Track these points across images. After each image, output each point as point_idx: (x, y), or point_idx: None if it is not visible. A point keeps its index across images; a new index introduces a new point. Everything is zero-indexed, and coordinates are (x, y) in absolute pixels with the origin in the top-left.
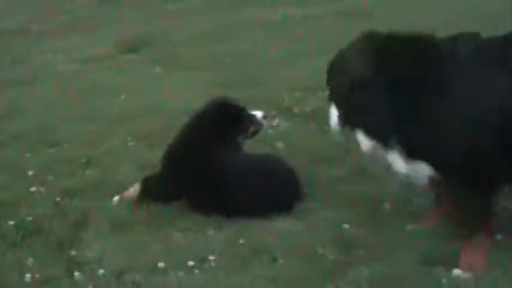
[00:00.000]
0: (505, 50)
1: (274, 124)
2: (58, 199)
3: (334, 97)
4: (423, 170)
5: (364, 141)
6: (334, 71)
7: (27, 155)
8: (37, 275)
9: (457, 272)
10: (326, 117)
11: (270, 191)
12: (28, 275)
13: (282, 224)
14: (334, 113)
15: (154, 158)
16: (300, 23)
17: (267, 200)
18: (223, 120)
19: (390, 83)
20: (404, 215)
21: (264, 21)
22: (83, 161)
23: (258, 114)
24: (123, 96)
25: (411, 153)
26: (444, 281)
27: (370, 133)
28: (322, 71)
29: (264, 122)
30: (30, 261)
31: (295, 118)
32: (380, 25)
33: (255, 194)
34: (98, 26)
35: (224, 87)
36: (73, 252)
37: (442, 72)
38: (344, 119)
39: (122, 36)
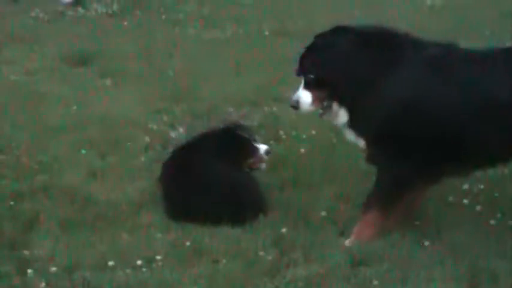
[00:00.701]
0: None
1: None
2: (12, 203)
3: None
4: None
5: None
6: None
7: None
8: None
9: (347, 241)
10: (271, 131)
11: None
12: None
13: (224, 228)
14: (305, 99)
15: (102, 165)
16: (240, 41)
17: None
18: (225, 147)
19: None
20: (336, 222)
21: (205, 39)
22: (34, 166)
23: (262, 148)
24: (75, 107)
25: (352, 122)
26: (375, 282)
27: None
28: (263, 86)
29: (266, 157)
30: None
31: None
32: None
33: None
34: (47, 40)
35: (170, 101)
36: (25, 252)
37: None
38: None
39: (71, 50)
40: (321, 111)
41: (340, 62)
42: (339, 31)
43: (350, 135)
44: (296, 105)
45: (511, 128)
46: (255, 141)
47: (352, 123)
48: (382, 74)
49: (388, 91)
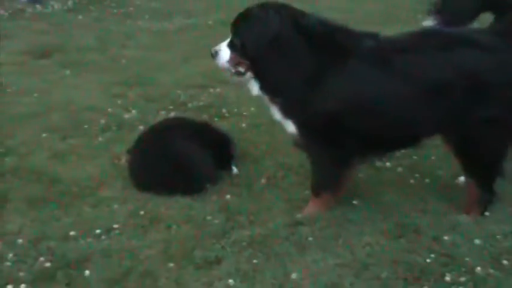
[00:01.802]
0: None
1: (171, 116)
2: None
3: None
4: (291, 127)
5: (255, 88)
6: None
7: None
8: None
9: (299, 215)
10: (216, 110)
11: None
12: None
13: (175, 198)
14: (224, 54)
15: (65, 147)
16: (188, 31)
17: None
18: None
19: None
20: (276, 188)
21: (155, 30)
22: (1, 150)
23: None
24: (38, 96)
25: (284, 110)
26: (310, 239)
27: (265, 86)
28: (210, 71)
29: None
30: None
31: (190, 111)
32: None
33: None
34: (9, 36)
35: (125, 87)
36: None
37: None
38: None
39: (32, 45)
40: (232, 71)
41: (271, 48)
42: (284, 10)
43: (278, 116)
44: (214, 56)
45: (443, 110)
46: None
47: (284, 107)
48: (325, 71)
49: (331, 87)
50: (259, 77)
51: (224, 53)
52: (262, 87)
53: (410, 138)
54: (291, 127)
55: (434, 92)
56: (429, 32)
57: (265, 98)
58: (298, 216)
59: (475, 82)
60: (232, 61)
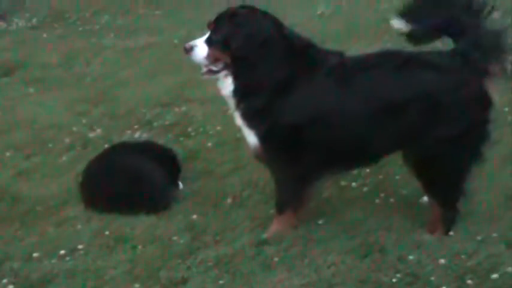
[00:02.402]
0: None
1: (136, 136)
2: None
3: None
4: (252, 139)
5: (225, 85)
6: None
7: None
8: None
9: (264, 234)
10: (182, 128)
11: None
12: None
13: (140, 217)
14: (201, 49)
15: (28, 166)
16: (152, 49)
17: (131, 198)
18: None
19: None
20: (242, 207)
21: (120, 48)
22: None
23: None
24: (2, 113)
25: (248, 117)
26: (276, 259)
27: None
28: (175, 89)
29: None
30: None
31: (155, 130)
32: None
33: (121, 192)
34: None
35: (89, 104)
36: None
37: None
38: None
39: None
40: (205, 69)
41: (260, 49)
42: (269, 17)
43: (240, 122)
44: (189, 50)
45: (399, 128)
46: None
47: (248, 114)
48: (294, 83)
49: (296, 99)
50: (237, 76)
51: (201, 48)
52: (236, 88)
53: (368, 155)
54: (251, 137)
55: (391, 111)
56: (389, 52)
57: (232, 102)
58: (264, 235)
59: (431, 102)
60: (210, 57)
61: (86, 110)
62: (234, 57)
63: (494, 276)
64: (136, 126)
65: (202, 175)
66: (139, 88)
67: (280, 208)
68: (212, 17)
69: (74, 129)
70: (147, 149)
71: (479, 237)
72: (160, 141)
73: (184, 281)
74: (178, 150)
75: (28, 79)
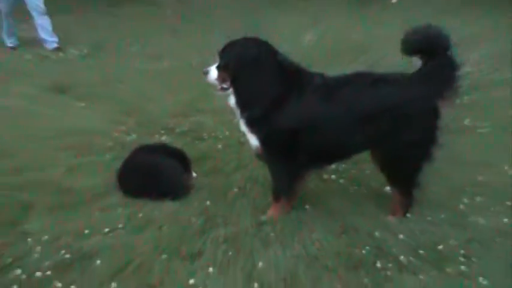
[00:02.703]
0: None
1: (163, 138)
2: (11, 193)
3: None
4: (254, 142)
5: (231, 101)
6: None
7: None
8: (1, 241)
9: (263, 217)
10: (197, 134)
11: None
12: None
13: (165, 204)
14: (212, 73)
15: (78, 163)
16: (173, 71)
17: (159, 188)
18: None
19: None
20: (245, 196)
21: (147, 70)
22: (28, 165)
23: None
24: (56, 121)
25: (254, 125)
26: (272, 236)
27: (240, 99)
28: (191, 103)
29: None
30: None
31: (175, 135)
32: None
33: (151, 184)
34: (38, 75)
35: (125, 115)
36: (25, 227)
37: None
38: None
39: (55, 82)
40: (219, 87)
41: (249, 69)
42: (264, 45)
43: (244, 128)
44: (205, 74)
45: (370, 133)
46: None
47: (250, 121)
48: (287, 97)
49: (291, 110)
50: (236, 91)
51: (213, 72)
52: (237, 101)
53: (345, 154)
54: (253, 140)
55: (364, 119)
56: (362, 74)
57: (237, 112)
58: (263, 218)
59: (395, 113)
60: (219, 79)
61: (123, 120)
62: (232, 77)
63: (440, 247)
64: (162, 132)
65: (213, 171)
66: (163, 102)
67: (276, 197)
68: (218, 43)
69: (114, 134)
70: (165, 149)
71: (429, 218)
72: (180, 144)
73: (200, 253)
74: (193, 152)
75: (78, 95)
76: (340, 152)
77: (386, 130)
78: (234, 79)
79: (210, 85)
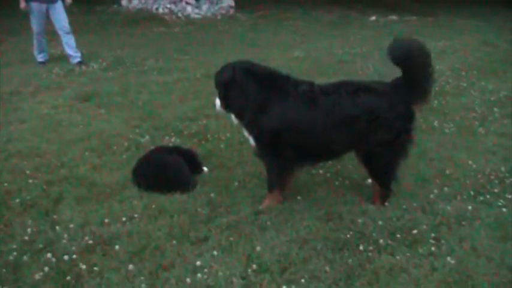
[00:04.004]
0: (316, 95)
1: (173, 140)
2: (45, 187)
3: (219, 92)
4: (252, 141)
5: (233, 117)
6: (218, 77)
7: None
8: (34, 229)
9: (260, 207)
10: (203, 135)
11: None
12: (29, 230)
13: (176, 196)
14: (217, 103)
15: (100, 162)
16: (183, 82)
17: (168, 182)
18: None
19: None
20: (245, 189)
21: (161, 81)
22: (58, 164)
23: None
24: (81, 126)
25: (248, 128)
26: (268, 223)
27: (234, 112)
28: (198, 109)
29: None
30: (29, 222)
31: (185, 137)
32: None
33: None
34: (64, 87)
35: (140, 120)
36: (55, 216)
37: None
38: (224, 104)
39: (79, 92)
40: (225, 112)
41: (237, 94)
42: (239, 65)
43: (245, 133)
44: (215, 105)
45: (352, 134)
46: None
47: (245, 126)
48: (270, 103)
49: (274, 113)
50: (229, 108)
51: (217, 103)
52: (234, 115)
53: (331, 153)
54: (251, 140)
55: (345, 122)
56: (345, 82)
57: (237, 122)
58: (260, 207)
59: (372, 116)
60: (222, 106)
61: (138, 124)
62: (222, 100)
63: (414, 231)
64: (172, 134)
65: (217, 167)
66: (174, 108)
67: (270, 188)
68: (220, 58)
69: (130, 136)
70: (176, 150)
71: (404, 206)
72: (188, 144)
73: (206, 238)
74: (200, 151)
75: (100, 103)
76: (322, 152)
77: (366, 132)
78: (224, 101)
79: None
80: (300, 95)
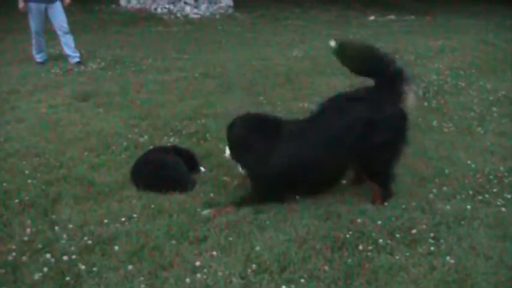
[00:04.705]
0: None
1: (172, 139)
2: (44, 187)
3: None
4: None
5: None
6: (228, 132)
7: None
8: (33, 229)
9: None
10: (202, 135)
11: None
12: (28, 230)
13: (174, 195)
14: (227, 150)
15: (99, 161)
16: (181, 81)
17: (167, 182)
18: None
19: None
20: (243, 188)
21: (159, 81)
22: (57, 164)
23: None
24: (79, 126)
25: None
26: (267, 222)
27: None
28: (195, 109)
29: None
30: (28, 222)
31: (183, 136)
32: (227, 83)
33: (160, 178)
34: (63, 86)
35: (138, 119)
36: (54, 216)
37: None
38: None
39: (78, 92)
40: (233, 160)
41: (238, 143)
42: (245, 120)
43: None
44: (226, 155)
45: (349, 143)
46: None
47: (245, 169)
48: (264, 149)
49: (268, 156)
50: (237, 159)
51: (227, 152)
52: (240, 164)
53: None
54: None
55: (342, 132)
56: (335, 98)
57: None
58: (259, 206)
59: (368, 121)
60: (231, 156)
61: (137, 123)
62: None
63: (413, 231)
64: (171, 134)
65: (216, 167)
66: (172, 108)
67: (242, 204)
68: (220, 58)
69: (129, 136)
70: (174, 149)
71: (403, 206)
72: (187, 144)
73: (205, 238)
74: (199, 150)
75: (98, 103)
76: (322, 182)
77: (363, 137)
78: (233, 153)
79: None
80: (288, 136)
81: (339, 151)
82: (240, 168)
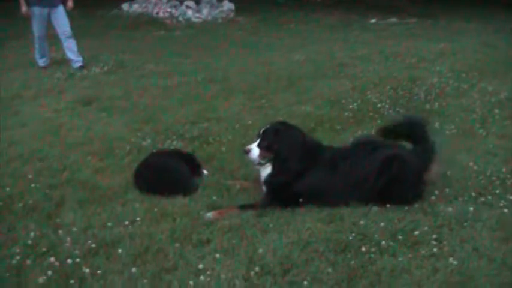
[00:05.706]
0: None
1: (174, 143)
2: (47, 191)
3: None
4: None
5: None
6: (279, 130)
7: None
8: (37, 233)
9: (209, 214)
10: (204, 139)
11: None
12: (32, 233)
13: (177, 199)
14: (255, 151)
15: (102, 165)
16: (183, 85)
17: (169, 185)
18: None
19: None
20: (246, 191)
21: (161, 85)
22: (60, 167)
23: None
24: (83, 130)
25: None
26: (270, 225)
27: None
28: (199, 112)
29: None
30: (32, 226)
31: (186, 140)
32: (230, 87)
33: (162, 181)
34: (66, 90)
35: (141, 123)
36: (57, 220)
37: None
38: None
39: (81, 96)
40: (259, 162)
41: (288, 147)
42: (297, 130)
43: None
44: (247, 152)
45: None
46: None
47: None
48: (305, 163)
49: (305, 174)
50: (275, 165)
51: (255, 151)
52: (272, 172)
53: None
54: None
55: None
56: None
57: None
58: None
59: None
60: (260, 156)
61: (140, 127)
62: (276, 155)
63: (416, 233)
64: (173, 137)
65: (218, 170)
66: (175, 112)
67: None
68: (222, 63)
69: (132, 140)
70: (176, 153)
71: (406, 208)
72: (189, 147)
73: (209, 241)
74: (201, 154)
75: (101, 107)
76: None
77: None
78: (276, 157)
79: (248, 161)
80: (325, 162)
81: (362, 192)
82: (259, 169)
